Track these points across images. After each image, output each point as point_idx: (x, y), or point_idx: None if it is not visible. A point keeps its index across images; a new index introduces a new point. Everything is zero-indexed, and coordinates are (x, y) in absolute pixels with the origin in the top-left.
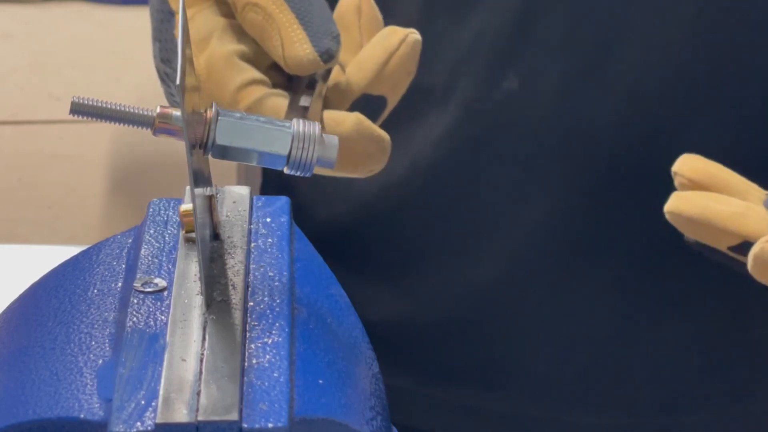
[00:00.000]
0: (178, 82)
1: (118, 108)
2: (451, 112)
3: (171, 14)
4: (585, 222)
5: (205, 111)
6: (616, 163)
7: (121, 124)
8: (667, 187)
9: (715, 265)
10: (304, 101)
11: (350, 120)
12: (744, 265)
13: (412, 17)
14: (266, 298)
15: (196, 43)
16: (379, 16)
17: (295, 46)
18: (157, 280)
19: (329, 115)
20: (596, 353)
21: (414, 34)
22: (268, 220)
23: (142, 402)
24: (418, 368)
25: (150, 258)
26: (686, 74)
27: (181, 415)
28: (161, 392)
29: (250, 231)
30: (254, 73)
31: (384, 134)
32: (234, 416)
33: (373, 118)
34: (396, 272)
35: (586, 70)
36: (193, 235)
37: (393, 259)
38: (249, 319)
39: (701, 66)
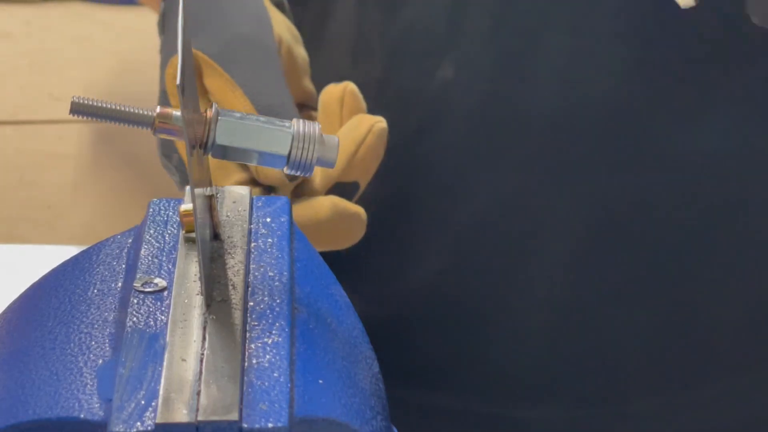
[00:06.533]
0: (178, 82)
1: (118, 108)
2: (388, 105)
3: None
4: (527, 209)
5: (205, 111)
6: (552, 147)
7: (121, 124)
8: (606, 168)
9: (665, 254)
10: None
11: (326, 205)
12: None
13: (347, 11)
14: (266, 298)
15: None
16: (362, 105)
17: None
18: (157, 280)
19: (307, 203)
20: (545, 345)
21: (380, 123)
22: (268, 220)
23: (142, 402)
24: None
25: (150, 258)
26: (614, 58)
27: (181, 415)
28: (161, 392)
29: (250, 231)
30: (241, 174)
31: (359, 209)
32: (234, 416)
33: (348, 200)
34: (340, 270)
35: (516, 57)
36: (193, 235)
37: (335, 256)
38: (249, 319)
39: (630, 50)
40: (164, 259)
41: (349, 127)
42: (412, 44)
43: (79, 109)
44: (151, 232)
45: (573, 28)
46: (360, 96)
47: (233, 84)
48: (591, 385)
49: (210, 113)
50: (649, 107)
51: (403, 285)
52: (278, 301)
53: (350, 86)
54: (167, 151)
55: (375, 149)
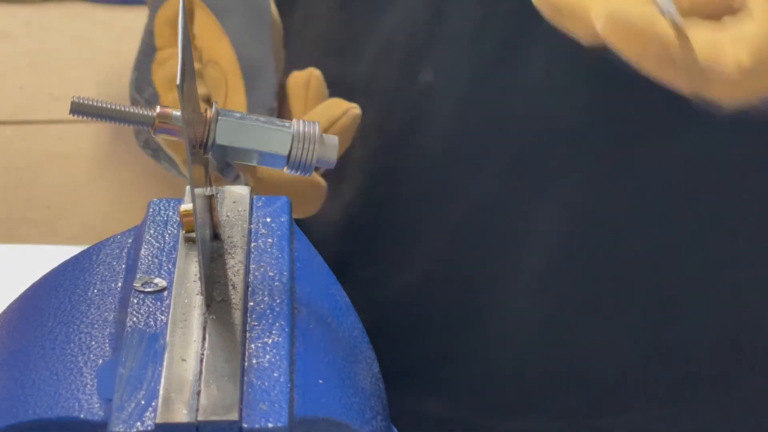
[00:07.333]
0: (178, 82)
1: (118, 108)
2: (373, 106)
3: (153, 49)
4: (504, 217)
5: (205, 111)
6: (532, 152)
7: (121, 124)
8: (586, 175)
9: (647, 263)
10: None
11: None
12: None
13: (332, 13)
14: (266, 298)
15: (167, 81)
16: (325, 90)
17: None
18: (157, 280)
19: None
20: (525, 357)
21: (355, 109)
22: (268, 220)
23: (142, 402)
24: None
25: (150, 258)
26: (595, 64)
27: (181, 415)
28: (161, 392)
29: (250, 231)
30: None
31: (321, 180)
32: (234, 416)
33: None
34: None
35: (495, 63)
36: (193, 235)
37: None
38: (249, 319)
39: (611, 55)
40: (164, 259)
41: (325, 106)
42: (394, 48)
43: (79, 109)
44: (151, 232)
45: (553, 34)
46: (323, 81)
47: (221, 33)
48: (571, 398)
49: (210, 113)
50: (629, 113)
51: (382, 292)
52: (278, 301)
53: (315, 72)
54: (141, 84)
55: (346, 131)
